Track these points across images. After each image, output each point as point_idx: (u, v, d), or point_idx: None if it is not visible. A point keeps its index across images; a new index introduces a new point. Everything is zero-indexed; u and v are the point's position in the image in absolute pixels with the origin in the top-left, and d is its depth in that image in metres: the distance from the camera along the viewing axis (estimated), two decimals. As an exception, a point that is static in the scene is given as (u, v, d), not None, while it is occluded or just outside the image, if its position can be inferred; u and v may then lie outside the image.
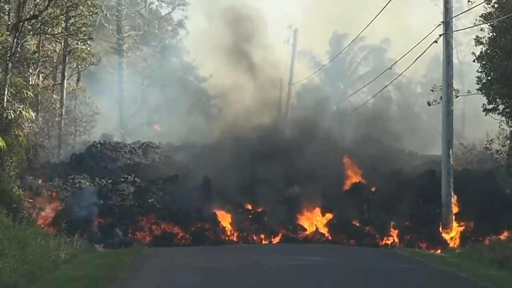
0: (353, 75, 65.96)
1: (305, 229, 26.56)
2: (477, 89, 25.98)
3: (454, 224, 26.05)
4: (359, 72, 66.12)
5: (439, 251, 24.46)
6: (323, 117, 35.19)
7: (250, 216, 27.02)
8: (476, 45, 26.53)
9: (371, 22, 31.77)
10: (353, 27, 49.43)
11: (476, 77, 25.98)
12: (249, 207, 27.52)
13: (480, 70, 25.93)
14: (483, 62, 25.50)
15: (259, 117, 34.53)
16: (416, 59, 27.47)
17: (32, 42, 30.10)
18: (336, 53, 57.41)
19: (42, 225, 24.22)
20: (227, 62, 42.74)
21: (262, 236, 26.08)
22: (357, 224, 26.94)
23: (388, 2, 28.16)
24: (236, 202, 27.29)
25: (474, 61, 26.28)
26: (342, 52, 56.23)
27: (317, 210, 27.45)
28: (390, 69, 31.43)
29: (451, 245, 25.40)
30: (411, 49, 27.47)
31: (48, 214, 25.91)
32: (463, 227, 26.23)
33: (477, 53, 26.09)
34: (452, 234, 25.92)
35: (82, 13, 28.59)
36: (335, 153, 30.38)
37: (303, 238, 26.15)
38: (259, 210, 27.27)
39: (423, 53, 26.85)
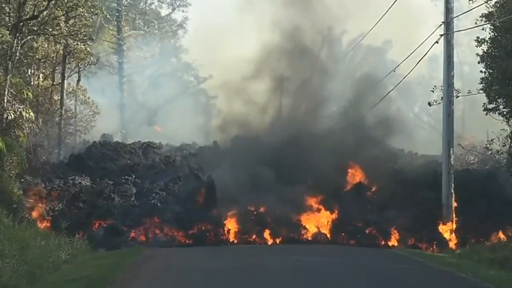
0: (353, 76, 65.65)
1: (307, 230, 26.52)
2: (480, 89, 25.88)
3: (455, 224, 26.03)
4: (358, 72, 65.81)
5: (439, 252, 24.44)
6: (324, 118, 35.05)
7: (252, 217, 26.97)
8: (477, 46, 26.46)
9: (376, 24, 31.75)
10: (353, 27, 49.31)
11: (480, 78, 25.91)
12: (251, 207, 27.46)
13: (483, 70, 25.85)
14: (488, 62, 25.42)
15: (260, 117, 34.37)
16: (419, 60, 27.41)
17: (33, 44, 30.07)
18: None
19: (42, 226, 24.19)
20: (227, 62, 42.61)
21: (264, 236, 26.04)
22: (359, 225, 26.89)
23: (393, 3, 28.16)
24: (238, 202, 27.22)
25: (479, 62, 26.18)
26: (341, 52, 55.95)
27: (319, 211, 27.40)
28: (394, 71, 31.32)
29: (451, 245, 25.38)
30: (413, 51, 27.44)
31: (48, 214, 25.88)
32: (464, 228, 26.20)
33: (479, 54, 26.01)
34: (453, 234, 25.89)
35: (82, 15, 28.55)
36: (337, 154, 30.28)
37: (304, 238, 26.11)
38: (261, 211, 27.21)
39: (425, 54, 26.84)
